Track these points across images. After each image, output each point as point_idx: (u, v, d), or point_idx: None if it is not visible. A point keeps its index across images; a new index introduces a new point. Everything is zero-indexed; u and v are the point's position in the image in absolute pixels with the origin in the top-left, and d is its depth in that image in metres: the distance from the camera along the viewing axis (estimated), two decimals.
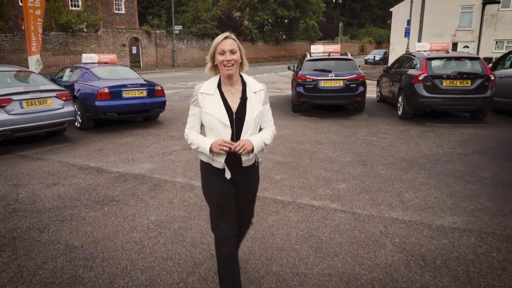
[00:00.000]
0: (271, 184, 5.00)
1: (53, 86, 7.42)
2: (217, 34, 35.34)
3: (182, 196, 4.66)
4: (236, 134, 2.31)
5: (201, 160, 2.49)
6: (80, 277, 3.00)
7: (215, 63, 2.30)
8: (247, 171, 2.43)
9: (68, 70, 9.70)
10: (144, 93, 8.59)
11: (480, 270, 3.02)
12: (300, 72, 9.82)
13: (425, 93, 8.44)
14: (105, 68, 9.20)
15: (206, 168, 2.45)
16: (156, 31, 31.22)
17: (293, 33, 44.37)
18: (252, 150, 2.27)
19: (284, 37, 44.35)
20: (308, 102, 9.87)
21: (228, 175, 2.38)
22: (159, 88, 8.92)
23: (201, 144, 2.31)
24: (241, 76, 2.40)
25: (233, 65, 2.24)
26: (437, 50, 9.67)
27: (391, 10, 28.69)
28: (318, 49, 10.99)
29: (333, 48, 10.99)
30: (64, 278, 2.99)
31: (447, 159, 6.01)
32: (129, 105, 8.39)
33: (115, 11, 35.56)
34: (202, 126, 2.41)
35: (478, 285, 2.83)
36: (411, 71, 9.00)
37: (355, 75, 9.48)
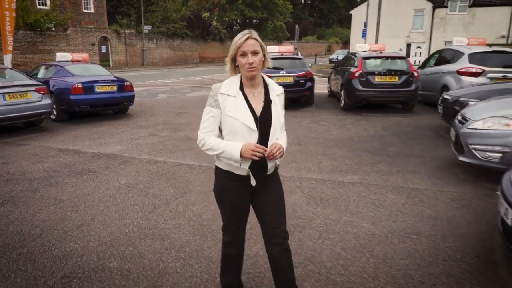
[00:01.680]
0: None
1: (32, 81, 8.37)
2: (186, 34, 36.45)
3: (147, 168, 5.78)
4: (261, 139, 2.14)
5: (217, 167, 2.29)
6: (68, 216, 4.10)
7: (236, 64, 2.15)
8: (269, 176, 2.29)
9: (43, 67, 10.57)
10: (115, 88, 9.61)
11: (357, 205, 4.31)
12: None
13: (360, 88, 9.86)
14: (78, 66, 10.16)
15: (225, 176, 2.25)
16: (126, 31, 31.84)
17: (261, 34, 45.64)
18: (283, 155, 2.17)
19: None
20: None
21: (253, 182, 2.23)
22: (128, 83, 9.96)
23: (228, 149, 2.09)
24: (262, 77, 2.26)
25: (255, 67, 2.08)
26: (375, 51, 11.12)
27: (351, 12, 30.51)
28: (273, 49, 12.24)
29: (287, 48, 12.28)
30: (56, 217, 4.08)
31: (368, 140, 7.38)
32: (101, 99, 9.40)
33: (84, 10, 35.84)
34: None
35: (354, 214, 4.11)
36: (351, 69, 10.41)
37: (304, 72, 10.82)
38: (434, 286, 2.83)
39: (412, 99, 10.09)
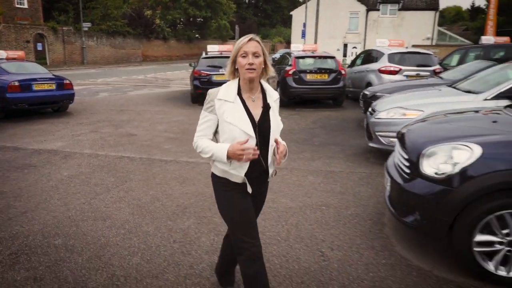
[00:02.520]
0: (160, 151, 6.61)
1: None
2: (128, 32, 35.86)
3: (89, 161, 6.06)
4: (260, 145, 2.11)
5: (213, 174, 2.25)
6: (12, 205, 4.36)
7: (236, 67, 2.12)
8: (266, 183, 2.33)
9: None
10: (53, 86, 9.63)
11: (280, 186, 4.94)
12: (196, 68, 11.52)
13: (294, 85, 10.64)
14: (13, 64, 10.02)
15: (221, 184, 2.21)
16: (64, 28, 30.75)
17: (205, 32, 45.90)
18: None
19: (197, 35, 45.70)
20: (203, 94, 11.59)
21: (250, 189, 2.18)
22: (67, 81, 10.00)
23: (215, 151, 2.08)
24: (260, 83, 2.21)
25: (255, 69, 2.04)
26: (308, 51, 11.96)
27: (291, 13, 31.71)
28: (213, 48, 12.74)
29: (227, 47, 12.82)
30: (0, 206, 4.33)
31: (297, 132, 8.12)
32: (39, 97, 9.39)
33: (17, 5, 34.04)
34: (215, 134, 2.21)
35: (276, 192, 4.73)
36: (286, 68, 11.16)
37: None
38: (333, 242, 3.51)
39: (341, 95, 11.03)
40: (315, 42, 25.33)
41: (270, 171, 2.24)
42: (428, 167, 3.01)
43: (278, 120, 2.20)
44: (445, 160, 2.92)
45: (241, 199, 2.19)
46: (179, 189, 4.86)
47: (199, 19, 44.08)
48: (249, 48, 2.05)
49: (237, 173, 2.14)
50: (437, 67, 10.35)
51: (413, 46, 28.72)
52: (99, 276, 2.98)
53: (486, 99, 5.00)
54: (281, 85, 11.04)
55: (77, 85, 16.86)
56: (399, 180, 3.29)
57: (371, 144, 5.96)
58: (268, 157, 2.19)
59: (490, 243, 2.80)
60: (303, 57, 11.14)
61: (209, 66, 11.48)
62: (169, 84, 19.25)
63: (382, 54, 10.74)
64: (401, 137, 3.65)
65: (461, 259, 2.93)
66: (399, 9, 29.03)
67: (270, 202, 4.41)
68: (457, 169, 2.83)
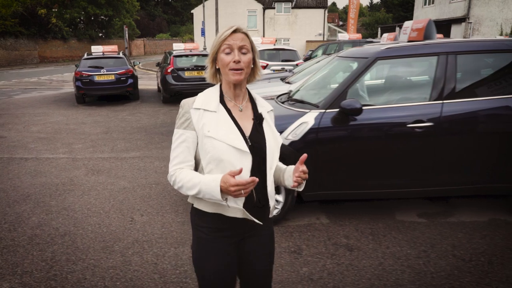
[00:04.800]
0: (24, 150, 6.91)
1: None
2: (21, 33, 33.70)
3: None
4: (255, 167, 1.60)
5: (197, 211, 1.67)
6: None
7: (217, 67, 1.61)
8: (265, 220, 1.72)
9: None
10: None
11: (125, 172, 5.62)
12: (77, 69, 11.67)
13: (173, 82, 11.33)
14: None
15: (206, 225, 1.66)
16: None
17: (109, 31, 44.52)
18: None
19: (100, 34, 44.15)
20: (86, 94, 11.81)
21: (257, 220, 1.62)
22: None
23: (203, 186, 1.51)
24: (247, 90, 1.71)
25: (242, 69, 1.55)
26: (189, 49, 12.70)
27: (192, 11, 32.24)
28: (97, 49, 12.93)
29: (111, 48, 13.09)
30: None
31: (167, 125, 8.83)
32: None
33: None
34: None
35: (119, 177, 5.40)
36: (166, 66, 11.80)
37: (124, 70, 11.83)
38: (146, 210, 4.28)
39: None
40: None
41: (271, 203, 1.70)
42: None
43: (277, 136, 1.69)
44: None
45: (227, 250, 1.67)
46: (28, 181, 5.32)
47: (101, 18, 42.63)
48: (235, 41, 1.54)
49: (234, 204, 1.58)
50: (300, 61, 11.70)
51: (307, 42, 31.03)
52: None
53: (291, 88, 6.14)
54: (162, 83, 11.67)
55: None
56: None
57: None
58: (267, 184, 1.65)
59: None
60: (181, 56, 11.86)
61: (90, 66, 11.70)
62: (63, 86, 18.77)
63: None
64: None
65: None
66: (292, 7, 31.07)
67: (109, 185, 5.08)
68: None
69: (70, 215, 4.21)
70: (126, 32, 25.14)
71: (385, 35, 6.71)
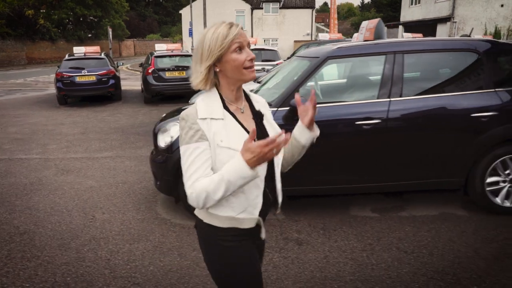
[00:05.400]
0: None
1: None
2: (8, 34, 33.47)
3: None
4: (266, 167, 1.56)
5: (210, 227, 1.56)
6: None
7: (217, 70, 1.49)
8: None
9: None
10: None
11: (95, 171, 5.67)
12: (58, 70, 11.68)
13: (154, 82, 11.39)
14: None
15: (225, 233, 1.55)
16: None
17: (99, 32, 44.37)
18: None
19: (89, 35, 43.97)
20: (68, 95, 11.83)
21: (263, 234, 1.65)
22: None
23: (227, 175, 1.37)
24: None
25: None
26: (171, 50, 12.75)
27: (180, 12, 32.26)
28: (79, 50, 12.95)
29: (94, 49, 13.11)
30: None
31: (145, 125, 8.88)
32: None
33: None
34: None
35: (87, 177, 5.45)
36: (147, 66, 11.85)
37: (106, 71, 11.86)
38: (108, 208, 4.35)
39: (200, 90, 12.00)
40: None
41: (280, 198, 1.67)
42: (161, 141, 3.99)
43: (277, 130, 1.62)
44: (167, 134, 3.91)
45: (253, 257, 1.60)
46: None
47: (90, 19, 42.47)
48: (244, 38, 1.47)
49: (250, 215, 1.53)
50: (280, 61, 11.81)
51: (295, 41, 31.16)
52: None
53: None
54: (144, 83, 11.72)
55: None
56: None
57: None
58: (276, 181, 1.62)
59: None
60: (162, 56, 11.92)
61: (71, 67, 11.72)
62: (48, 87, 18.68)
63: None
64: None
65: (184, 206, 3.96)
66: (280, 8, 31.21)
67: (76, 184, 5.14)
68: (172, 140, 3.83)
69: (33, 214, 4.26)
70: (110, 33, 25.11)
71: (355, 34, 6.83)
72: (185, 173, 1.44)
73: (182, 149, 1.46)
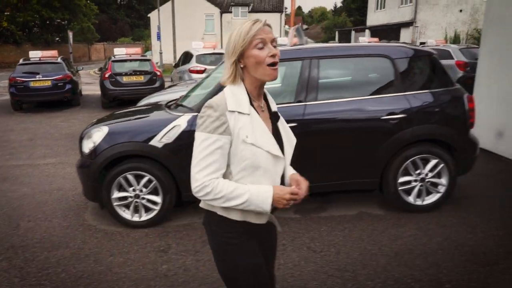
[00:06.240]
0: None
1: None
2: None
3: None
4: None
5: (222, 219, 1.57)
6: None
7: (242, 66, 1.50)
8: None
9: None
10: None
11: (38, 179, 5.60)
12: (12, 75, 11.44)
13: (111, 87, 11.29)
14: None
15: (235, 230, 1.57)
16: None
17: (66, 35, 43.47)
18: None
19: (57, 39, 43.04)
20: (22, 101, 11.58)
21: (279, 227, 1.70)
22: None
23: (253, 198, 1.46)
24: None
25: (277, 63, 1.50)
26: (129, 54, 12.66)
27: (149, 15, 32.00)
28: (35, 54, 12.67)
29: (50, 53, 12.87)
30: None
31: None
32: None
33: None
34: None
35: (24, 184, 5.38)
36: (105, 71, 11.73)
37: (62, 75, 11.68)
38: (36, 216, 4.31)
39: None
40: (174, 43, 26.12)
41: None
42: (85, 147, 3.99)
43: (290, 133, 1.67)
44: (90, 140, 3.92)
45: (258, 252, 1.62)
46: None
47: (58, 21, 41.58)
48: (267, 34, 1.47)
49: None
50: None
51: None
52: None
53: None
54: (101, 88, 11.60)
55: None
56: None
57: None
58: (285, 184, 1.67)
59: (124, 198, 3.88)
60: (120, 61, 11.82)
61: (25, 72, 11.49)
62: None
63: (192, 55, 11.96)
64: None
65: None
66: (249, 12, 31.41)
67: (9, 192, 5.07)
68: (95, 145, 3.84)
69: None
70: (71, 36, 24.74)
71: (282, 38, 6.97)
72: (199, 161, 1.45)
73: (203, 136, 1.46)
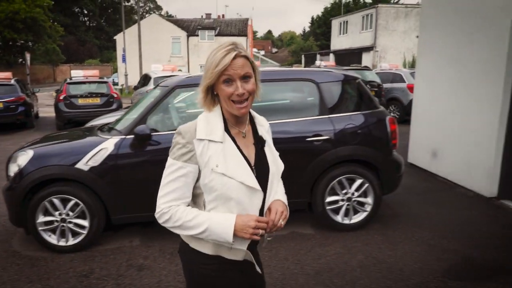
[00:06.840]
0: None
1: None
2: None
3: None
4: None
5: (193, 252, 1.50)
6: None
7: (215, 93, 1.45)
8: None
9: None
10: None
11: None
12: None
13: (66, 109, 11.12)
14: None
15: (211, 261, 1.49)
16: None
17: (31, 57, 42.60)
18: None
19: (20, 60, 42.11)
20: None
21: (259, 269, 1.57)
22: None
23: (213, 227, 1.38)
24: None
25: (247, 99, 1.41)
26: (86, 76, 12.53)
27: (115, 38, 31.91)
28: None
29: (5, 75, 12.58)
30: None
31: None
32: None
33: None
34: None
35: None
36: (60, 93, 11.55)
37: (14, 98, 11.41)
38: None
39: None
40: (140, 65, 26.03)
41: (266, 236, 1.55)
42: (10, 170, 3.90)
43: (277, 159, 1.58)
44: (15, 164, 3.84)
45: (239, 281, 1.53)
46: None
47: (22, 42, 40.77)
48: (235, 70, 1.37)
49: (239, 245, 1.44)
50: None
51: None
52: None
53: None
54: (56, 110, 11.40)
55: None
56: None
57: None
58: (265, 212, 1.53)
59: (50, 222, 3.79)
60: (75, 83, 11.70)
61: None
62: None
63: (150, 77, 11.98)
64: None
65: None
66: (216, 35, 31.90)
67: None
68: (20, 168, 3.76)
69: None
70: (28, 58, 24.33)
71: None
72: (162, 187, 1.44)
73: (169, 162, 1.44)
